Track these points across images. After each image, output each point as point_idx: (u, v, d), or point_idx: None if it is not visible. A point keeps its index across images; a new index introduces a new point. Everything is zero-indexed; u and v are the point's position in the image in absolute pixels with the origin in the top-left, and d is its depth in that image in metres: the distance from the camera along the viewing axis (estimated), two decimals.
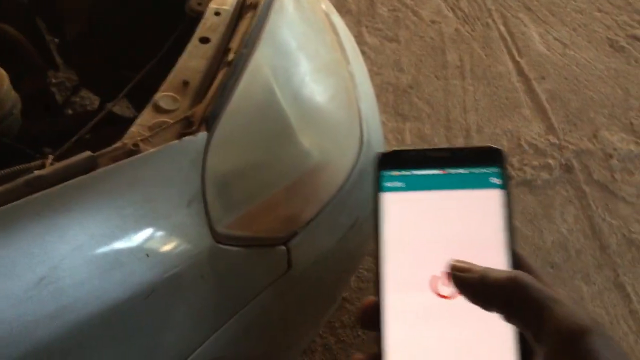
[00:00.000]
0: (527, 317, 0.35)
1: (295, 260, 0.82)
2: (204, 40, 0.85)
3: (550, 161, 2.02)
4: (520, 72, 2.33)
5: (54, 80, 1.78)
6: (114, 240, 0.62)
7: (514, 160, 2.01)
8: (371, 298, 0.41)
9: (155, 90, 0.77)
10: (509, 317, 0.36)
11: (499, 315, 0.36)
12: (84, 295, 0.59)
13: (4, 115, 0.84)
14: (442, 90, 2.23)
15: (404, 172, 0.43)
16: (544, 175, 1.98)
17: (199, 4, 0.98)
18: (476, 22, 2.52)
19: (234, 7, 0.90)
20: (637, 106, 2.22)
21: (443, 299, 0.40)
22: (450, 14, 2.55)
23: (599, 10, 2.63)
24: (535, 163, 2.01)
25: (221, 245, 0.71)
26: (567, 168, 2.00)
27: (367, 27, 2.46)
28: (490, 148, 0.43)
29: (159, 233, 0.65)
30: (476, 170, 0.43)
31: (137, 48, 1.14)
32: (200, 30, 0.86)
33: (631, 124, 2.16)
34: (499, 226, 0.41)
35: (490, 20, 2.53)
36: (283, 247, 0.80)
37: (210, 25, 0.87)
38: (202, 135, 0.70)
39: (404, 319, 0.40)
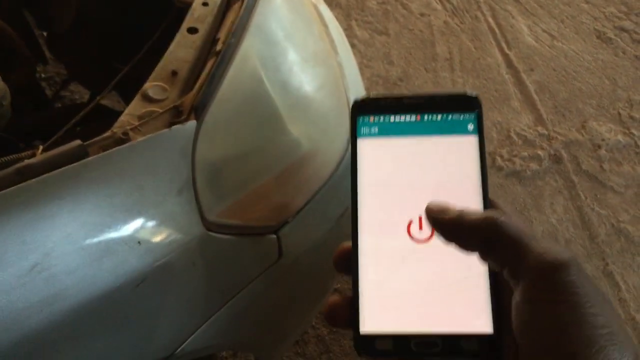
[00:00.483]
0: (505, 254, 0.35)
1: (286, 249, 0.82)
2: (192, 30, 0.85)
3: (540, 152, 2.03)
4: (509, 64, 2.34)
5: (43, 75, 1.77)
6: (105, 229, 0.62)
7: (504, 151, 2.03)
8: (347, 243, 0.42)
9: (145, 81, 0.77)
10: (486, 255, 0.37)
11: (476, 254, 0.37)
12: (75, 283, 0.59)
13: None
14: (432, 82, 2.24)
15: (380, 118, 0.44)
16: (534, 166, 1.99)
17: None
18: (465, 14, 2.53)
19: None
20: (624, 97, 2.24)
21: (417, 243, 0.41)
22: (439, 7, 2.56)
23: (587, 2, 2.65)
24: (524, 154, 2.02)
25: (212, 234, 0.71)
26: (556, 159, 2.02)
27: (356, 20, 2.46)
28: (465, 95, 0.43)
29: (150, 221, 0.65)
30: (451, 117, 0.43)
31: (126, 40, 1.14)
32: (188, 21, 0.86)
33: (619, 114, 2.17)
34: (473, 171, 0.42)
35: (479, 13, 2.55)
36: (274, 236, 0.80)
37: (198, 15, 0.87)
38: (192, 124, 0.70)
39: (378, 262, 0.41)
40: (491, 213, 0.37)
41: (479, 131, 0.43)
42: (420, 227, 0.41)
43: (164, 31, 1.01)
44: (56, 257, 0.59)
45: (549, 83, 2.28)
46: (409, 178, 0.42)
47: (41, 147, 0.71)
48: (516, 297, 0.35)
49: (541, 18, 2.55)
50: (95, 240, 0.61)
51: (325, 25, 1.08)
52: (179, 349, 0.73)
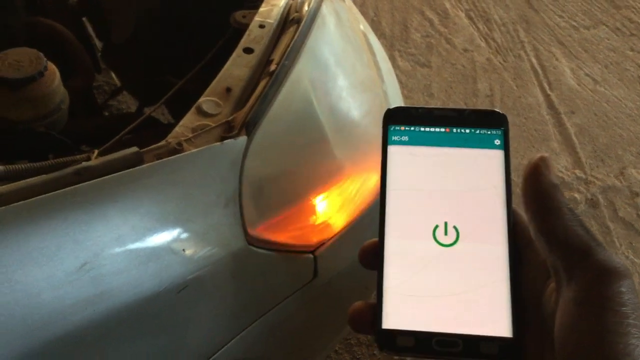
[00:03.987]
0: (568, 249, 0.36)
1: (321, 270, 0.84)
2: (248, 50, 0.88)
3: (576, 195, 2.01)
4: (551, 105, 2.33)
5: (94, 83, 1.83)
6: (154, 234, 0.64)
7: None
8: (373, 240, 0.43)
9: (194, 97, 0.80)
10: (546, 237, 0.38)
11: (533, 226, 0.38)
12: (121, 284, 0.61)
13: (53, 109, 0.88)
14: None
15: (410, 128, 0.46)
16: None
17: (244, 16, 1.01)
18: (508, 53, 2.54)
19: (278, 20, 0.94)
20: None
21: (442, 247, 0.42)
22: (483, 44, 2.58)
23: (632, 50, 2.63)
24: None
25: (252, 248, 0.73)
26: (593, 203, 2.00)
27: (399, 51, 2.49)
28: (494, 111, 0.45)
29: (196, 230, 0.67)
30: (479, 131, 0.45)
31: (180, 56, 1.18)
32: (244, 41, 0.89)
33: None
34: (498, 183, 0.43)
35: (522, 52, 2.55)
36: (311, 256, 0.81)
37: (254, 36, 0.90)
38: (242, 139, 0.72)
39: (403, 262, 0.42)
40: (572, 207, 0.38)
41: (505, 146, 0.44)
42: (446, 233, 0.43)
43: (218, 50, 1.04)
44: (105, 257, 0.61)
45: (590, 127, 2.26)
46: (436, 185, 0.44)
47: (96, 152, 0.74)
48: (564, 295, 0.36)
49: (585, 62, 2.55)
50: (144, 244, 0.63)
51: (373, 54, 1.10)
52: (211, 359, 0.74)
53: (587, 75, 2.48)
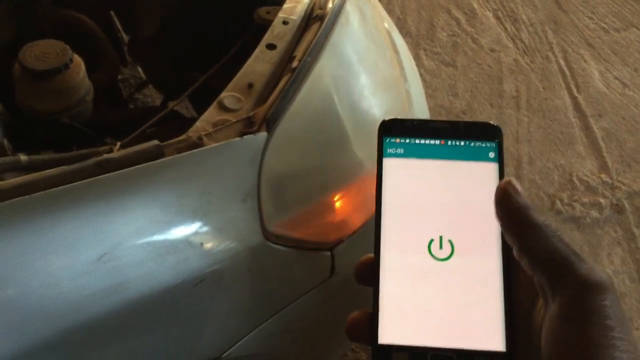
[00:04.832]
0: (549, 265, 0.37)
1: (338, 268, 0.83)
2: (271, 46, 0.88)
3: (602, 200, 1.98)
4: (577, 107, 2.30)
5: (119, 77, 1.85)
6: (172, 227, 0.65)
7: (564, 195, 1.98)
8: (369, 255, 0.43)
9: (217, 92, 0.80)
10: (525, 255, 0.38)
11: (515, 248, 0.39)
12: (139, 276, 0.62)
13: (78, 101, 0.89)
14: (496, 118, 2.22)
15: (405, 140, 0.46)
16: (594, 213, 1.94)
17: (268, 12, 1.02)
18: (536, 54, 2.51)
19: (302, 17, 0.94)
20: None
21: (437, 261, 0.43)
22: (510, 44, 2.55)
23: None
24: (585, 200, 1.98)
25: (269, 244, 0.73)
26: (618, 209, 1.96)
27: (425, 50, 2.48)
28: (488, 124, 0.46)
29: (214, 225, 0.68)
30: (474, 144, 0.45)
31: (205, 50, 1.19)
32: (267, 37, 0.89)
33: None
34: (492, 197, 0.43)
35: (550, 54, 2.52)
36: (328, 253, 0.81)
37: (277, 33, 0.90)
38: (262, 135, 0.73)
39: (399, 277, 0.42)
40: (545, 222, 0.38)
41: (500, 159, 0.45)
42: (441, 247, 0.43)
43: (241, 45, 1.05)
44: (124, 249, 0.61)
45: (617, 131, 2.22)
46: (431, 199, 0.44)
47: (119, 144, 0.75)
48: (550, 311, 0.36)
49: (614, 65, 2.50)
50: (162, 236, 0.64)
51: (396, 52, 1.10)
52: (226, 353, 0.75)
53: (615, 78, 2.44)
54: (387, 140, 0.46)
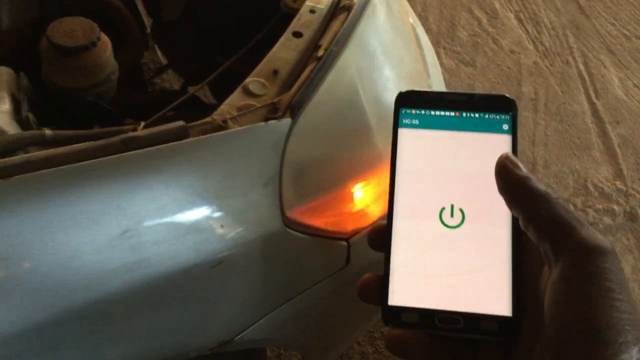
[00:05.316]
0: (552, 230, 0.38)
1: (354, 258, 0.84)
2: (297, 34, 0.88)
3: (615, 207, 1.97)
4: (595, 113, 2.28)
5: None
6: (194, 207, 0.65)
7: (578, 200, 1.97)
8: (381, 222, 0.45)
9: (239, 79, 0.81)
10: (531, 223, 0.39)
11: (520, 218, 0.40)
12: (159, 254, 0.62)
13: (103, 80, 0.90)
14: None
15: (421, 111, 0.46)
16: (607, 220, 1.93)
17: (294, 1, 1.01)
18: (556, 57, 2.49)
19: (329, 7, 0.93)
20: None
21: (448, 229, 0.44)
22: (531, 47, 2.53)
23: None
24: (599, 206, 1.97)
25: (289, 230, 0.73)
26: (631, 216, 1.95)
27: (444, 48, 2.47)
28: (504, 96, 0.46)
29: (235, 208, 0.68)
30: (488, 116, 0.46)
31: (228, 37, 1.19)
32: (294, 25, 0.89)
33: None
34: None
35: (570, 58, 2.50)
36: (344, 243, 0.82)
37: (304, 21, 0.90)
38: (286, 121, 0.73)
39: (410, 242, 0.44)
40: (551, 191, 0.40)
41: (513, 131, 0.45)
42: (452, 215, 0.44)
43: (266, 34, 1.05)
44: (146, 226, 0.62)
45: (634, 139, 2.21)
46: (444, 168, 0.45)
47: (142, 124, 0.76)
48: (553, 274, 0.37)
49: (634, 72, 2.48)
50: (184, 216, 0.64)
51: (420, 47, 1.10)
52: (239, 336, 0.75)
53: (635, 85, 2.42)
54: (403, 111, 0.47)
